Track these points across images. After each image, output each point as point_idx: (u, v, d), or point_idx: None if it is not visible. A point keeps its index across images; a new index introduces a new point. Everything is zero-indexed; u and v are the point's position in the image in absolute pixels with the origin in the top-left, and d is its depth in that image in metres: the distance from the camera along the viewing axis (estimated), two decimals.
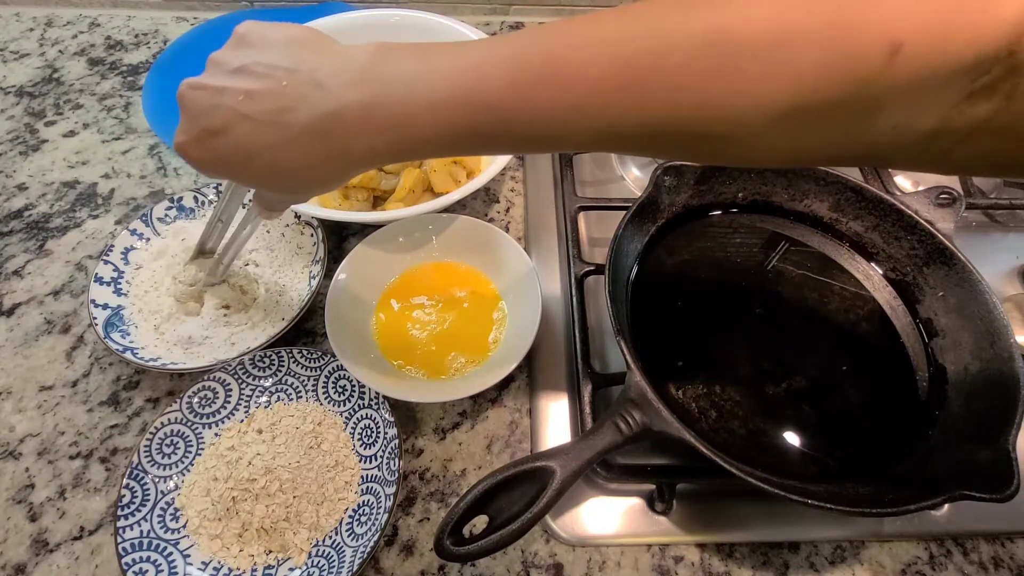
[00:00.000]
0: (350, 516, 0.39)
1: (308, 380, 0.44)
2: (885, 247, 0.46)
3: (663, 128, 0.23)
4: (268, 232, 0.52)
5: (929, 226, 0.42)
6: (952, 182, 0.59)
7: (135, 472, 0.39)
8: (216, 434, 0.42)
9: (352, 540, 0.37)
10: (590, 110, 0.23)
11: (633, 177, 0.60)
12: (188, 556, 0.37)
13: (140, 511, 0.38)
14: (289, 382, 0.44)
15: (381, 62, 0.26)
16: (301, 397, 0.44)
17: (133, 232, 0.50)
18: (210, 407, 0.42)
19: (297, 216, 0.53)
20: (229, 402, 0.43)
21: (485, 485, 0.31)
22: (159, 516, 0.38)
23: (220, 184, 0.53)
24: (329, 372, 0.44)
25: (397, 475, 0.38)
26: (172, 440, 0.41)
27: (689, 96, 0.22)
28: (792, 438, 0.38)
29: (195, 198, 0.53)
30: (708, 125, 0.23)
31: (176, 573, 0.36)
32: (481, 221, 0.50)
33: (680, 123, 0.23)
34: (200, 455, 0.41)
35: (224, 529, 0.38)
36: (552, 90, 0.23)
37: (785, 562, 0.39)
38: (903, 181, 0.60)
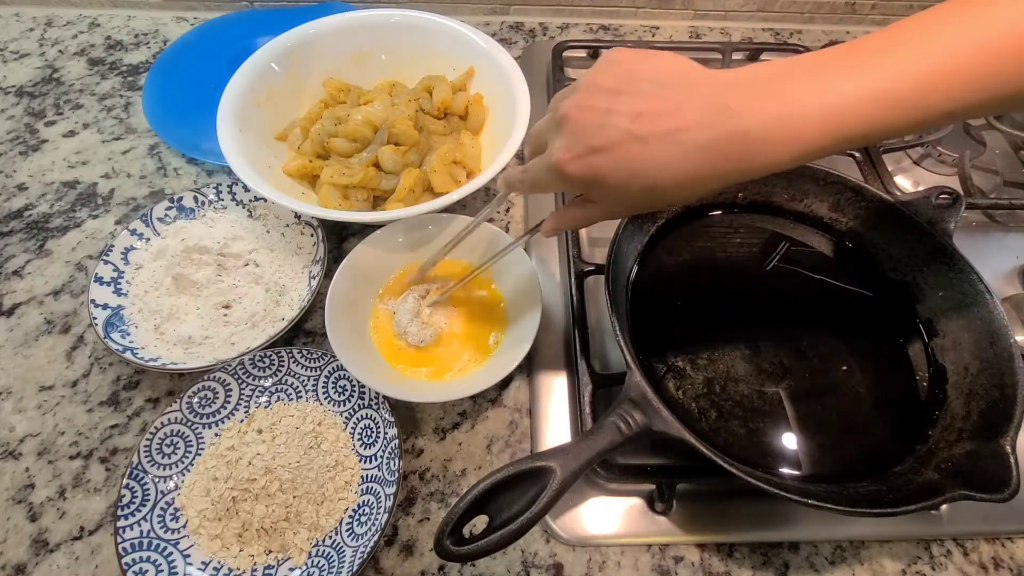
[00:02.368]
0: (350, 516, 0.39)
1: (308, 380, 0.44)
2: (885, 247, 0.45)
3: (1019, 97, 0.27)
4: (268, 232, 0.52)
5: (929, 226, 0.42)
6: (952, 182, 0.59)
7: (135, 472, 0.39)
8: (216, 434, 0.42)
9: (352, 540, 0.37)
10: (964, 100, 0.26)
11: None
12: (188, 556, 0.37)
13: (140, 511, 0.38)
14: (289, 382, 0.44)
15: (781, 76, 0.27)
16: (301, 397, 0.44)
17: (133, 232, 0.50)
18: (210, 407, 0.42)
19: (297, 216, 0.53)
20: (229, 402, 0.43)
21: (485, 485, 0.31)
22: (159, 516, 0.38)
23: (218, 185, 0.53)
24: (329, 372, 0.44)
25: (397, 475, 0.38)
26: (172, 440, 0.41)
27: None
28: (792, 438, 0.38)
29: (195, 198, 0.53)
30: None
31: (176, 573, 0.36)
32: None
33: None
34: (200, 455, 0.41)
35: (224, 529, 0.38)
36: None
37: (785, 562, 0.39)
38: (903, 181, 0.60)
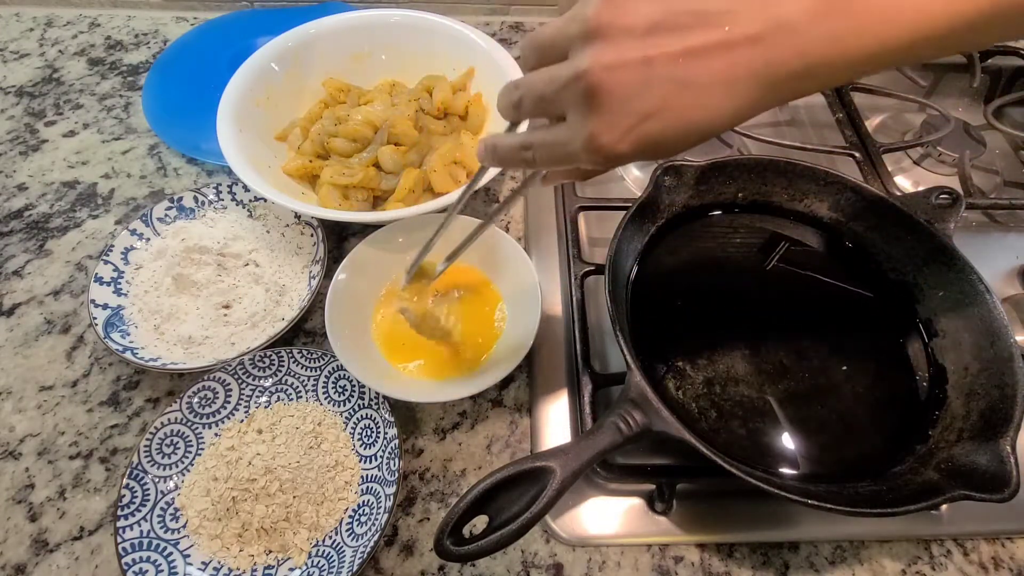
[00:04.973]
0: (350, 516, 0.39)
1: (308, 380, 0.44)
2: (885, 247, 0.45)
3: None
4: (268, 232, 0.52)
5: (929, 226, 0.42)
6: (952, 182, 0.59)
7: (135, 472, 0.39)
8: (216, 434, 0.42)
9: (352, 540, 0.37)
10: None
11: (633, 177, 0.60)
12: (188, 556, 0.37)
13: (140, 511, 0.38)
14: (289, 382, 0.44)
15: None
16: (301, 397, 0.44)
17: (133, 232, 0.50)
18: (210, 407, 0.42)
19: (297, 216, 0.53)
20: (229, 402, 0.43)
21: (485, 485, 0.31)
22: (159, 516, 0.38)
23: (218, 185, 0.53)
24: (329, 372, 0.44)
25: (397, 475, 0.38)
26: (172, 440, 0.41)
27: None
28: (792, 438, 0.38)
29: (195, 198, 0.53)
30: None
31: (176, 573, 0.36)
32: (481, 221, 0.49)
33: None
34: (200, 455, 0.41)
35: (224, 529, 0.38)
36: None
37: (785, 562, 0.39)
38: (903, 181, 0.60)
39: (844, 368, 0.42)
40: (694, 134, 0.24)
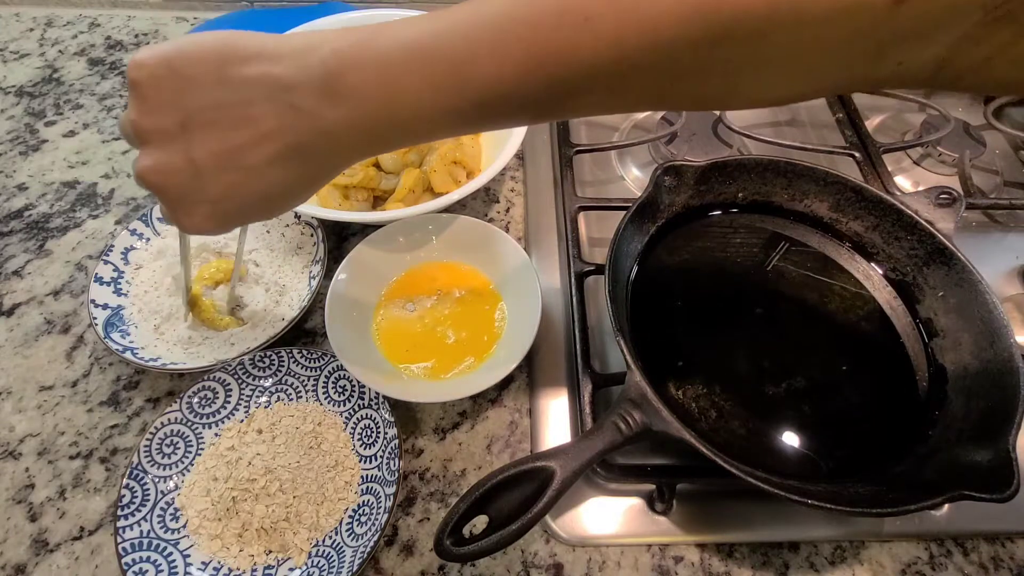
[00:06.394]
0: (350, 516, 0.39)
1: (308, 380, 0.44)
2: (885, 247, 0.46)
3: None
4: (268, 232, 0.52)
5: (929, 226, 0.42)
6: (952, 182, 0.59)
7: (135, 472, 0.39)
8: (216, 434, 0.42)
9: (352, 540, 0.37)
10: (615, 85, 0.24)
11: (633, 177, 0.60)
12: (188, 556, 0.37)
13: (140, 511, 0.38)
14: (289, 382, 0.44)
15: (343, 71, 0.24)
16: (301, 397, 0.44)
17: (133, 232, 0.50)
18: (210, 407, 0.42)
19: (297, 216, 0.53)
20: (229, 402, 0.43)
21: (485, 485, 0.31)
22: (159, 516, 0.38)
23: None
24: (329, 372, 0.44)
25: (397, 475, 0.38)
26: (172, 440, 0.41)
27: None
28: (792, 438, 0.38)
29: None
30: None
31: (176, 573, 0.36)
32: (481, 221, 0.50)
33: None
34: (200, 455, 0.41)
35: (224, 529, 0.38)
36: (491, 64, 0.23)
37: (785, 562, 0.39)
38: (903, 181, 0.60)
39: (844, 368, 0.42)
40: (277, 199, 0.28)
